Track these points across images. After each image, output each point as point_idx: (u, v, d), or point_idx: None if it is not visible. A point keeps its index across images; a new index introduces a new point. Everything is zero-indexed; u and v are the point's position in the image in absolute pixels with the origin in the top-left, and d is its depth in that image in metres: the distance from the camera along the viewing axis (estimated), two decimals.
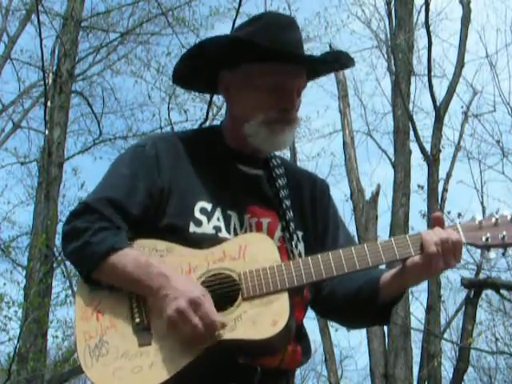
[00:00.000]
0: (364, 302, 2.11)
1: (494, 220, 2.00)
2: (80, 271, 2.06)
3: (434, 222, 2.02)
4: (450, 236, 1.97)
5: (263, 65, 2.10)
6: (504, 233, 1.98)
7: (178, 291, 1.90)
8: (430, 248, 1.95)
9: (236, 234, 2.08)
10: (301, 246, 2.17)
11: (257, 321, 1.90)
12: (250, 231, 2.11)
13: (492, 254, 1.99)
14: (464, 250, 2.01)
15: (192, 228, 2.05)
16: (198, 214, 2.07)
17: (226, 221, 2.09)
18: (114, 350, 1.93)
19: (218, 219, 2.08)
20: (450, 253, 1.97)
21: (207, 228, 2.06)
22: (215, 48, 2.13)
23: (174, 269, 1.98)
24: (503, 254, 2.00)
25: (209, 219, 2.07)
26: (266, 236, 2.07)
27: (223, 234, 2.07)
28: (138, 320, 1.95)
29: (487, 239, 1.98)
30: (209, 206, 2.09)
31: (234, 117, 2.20)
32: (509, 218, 2.00)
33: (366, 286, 2.11)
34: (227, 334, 1.89)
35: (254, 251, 2.00)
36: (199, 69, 2.21)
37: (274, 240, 2.11)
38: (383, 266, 2.08)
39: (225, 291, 1.95)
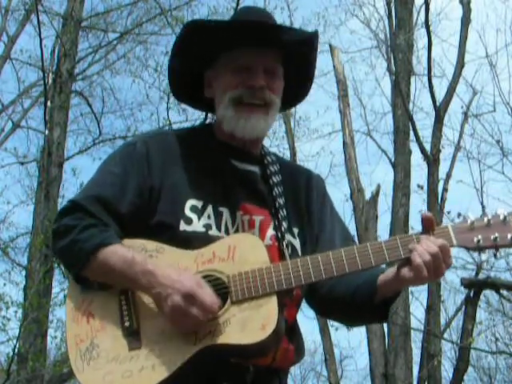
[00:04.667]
0: (361, 302, 2.09)
1: (486, 220, 1.95)
2: (69, 269, 2.05)
3: (424, 223, 1.98)
4: (439, 251, 1.92)
5: (231, 51, 2.16)
6: (496, 234, 1.92)
7: (168, 288, 1.89)
8: (421, 273, 1.92)
9: (227, 231, 2.07)
10: (297, 243, 2.16)
11: (246, 325, 1.88)
12: (242, 228, 2.09)
13: (484, 255, 1.95)
14: (463, 249, 1.99)
15: (182, 226, 2.04)
16: (188, 212, 2.06)
17: (217, 218, 2.08)
18: (104, 353, 1.92)
19: (209, 217, 2.07)
20: (440, 265, 1.93)
21: (197, 226, 2.05)
22: (190, 48, 2.18)
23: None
24: (495, 256, 1.94)
25: (199, 217, 2.06)
26: (255, 236, 2.06)
27: (213, 231, 2.06)
28: (127, 323, 1.94)
29: (479, 241, 1.93)
30: (199, 204, 2.08)
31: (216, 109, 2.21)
32: (501, 217, 1.94)
33: (363, 286, 2.10)
34: (216, 339, 1.88)
35: (243, 252, 1.98)
36: (190, 83, 2.26)
37: (266, 238, 2.10)
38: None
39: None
